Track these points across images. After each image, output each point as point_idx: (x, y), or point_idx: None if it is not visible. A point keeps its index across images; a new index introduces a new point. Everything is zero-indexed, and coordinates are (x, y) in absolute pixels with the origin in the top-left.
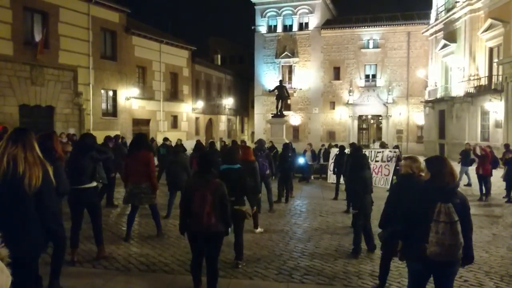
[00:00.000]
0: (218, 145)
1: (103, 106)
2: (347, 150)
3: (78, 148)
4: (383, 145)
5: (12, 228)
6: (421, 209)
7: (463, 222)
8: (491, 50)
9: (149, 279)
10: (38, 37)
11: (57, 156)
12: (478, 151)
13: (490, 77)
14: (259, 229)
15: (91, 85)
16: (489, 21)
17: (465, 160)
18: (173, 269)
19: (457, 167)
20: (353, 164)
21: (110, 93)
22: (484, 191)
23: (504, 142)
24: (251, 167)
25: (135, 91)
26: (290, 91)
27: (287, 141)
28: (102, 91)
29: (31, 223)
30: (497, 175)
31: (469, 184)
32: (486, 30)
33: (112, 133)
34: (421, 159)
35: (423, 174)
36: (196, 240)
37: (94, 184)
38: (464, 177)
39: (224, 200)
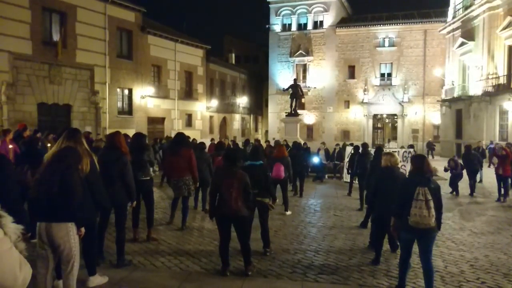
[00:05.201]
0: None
1: (119, 104)
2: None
3: (137, 147)
4: (430, 145)
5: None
6: (408, 191)
7: (437, 201)
8: (510, 48)
9: (165, 276)
10: (56, 37)
11: (123, 151)
12: (497, 151)
13: (509, 75)
14: (288, 212)
15: (107, 84)
16: (509, 18)
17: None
18: (188, 266)
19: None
20: (375, 163)
21: (126, 91)
22: (502, 192)
23: None
24: (286, 161)
25: (150, 89)
26: (304, 90)
27: (300, 141)
28: (118, 89)
29: (86, 197)
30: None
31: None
32: (505, 28)
33: (128, 132)
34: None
35: (398, 166)
36: (223, 222)
37: (149, 177)
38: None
39: (247, 188)
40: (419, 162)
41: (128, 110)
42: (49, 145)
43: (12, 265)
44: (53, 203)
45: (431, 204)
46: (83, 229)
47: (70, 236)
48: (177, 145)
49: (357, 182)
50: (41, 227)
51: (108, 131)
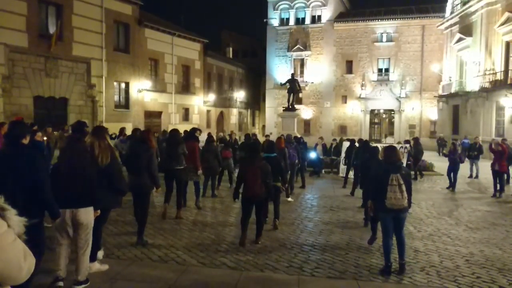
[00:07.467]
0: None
1: (116, 98)
2: (357, 144)
3: (173, 142)
4: (441, 142)
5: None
6: (382, 178)
7: (408, 185)
8: (507, 44)
9: (162, 269)
10: (52, 29)
11: (151, 145)
12: (494, 146)
13: (506, 71)
14: (290, 198)
15: (104, 77)
16: (506, 14)
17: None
18: (184, 260)
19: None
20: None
21: (123, 85)
22: (498, 188)
23: None
24: (282, 152)
25: (147, 83)
26: (302, 85)
27: (297, 135)
28: (115, 83)
29: (102, 186)
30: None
31: (473, 177)
32: (503, 24)
33: (125, 125)
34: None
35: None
36: (247, 203)
37: (182, 167)
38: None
39: (268, 176)
40: (390, 152)
41: (125, 104)
42: (45, 138)
43: (17, 257)
44: (79, 192)
45: (403, 188)
46: (98, 211)
47: (92, 218)
48: (187, 138)
49: (352, 176)
50: (66, 213)
51: (104, 125)
